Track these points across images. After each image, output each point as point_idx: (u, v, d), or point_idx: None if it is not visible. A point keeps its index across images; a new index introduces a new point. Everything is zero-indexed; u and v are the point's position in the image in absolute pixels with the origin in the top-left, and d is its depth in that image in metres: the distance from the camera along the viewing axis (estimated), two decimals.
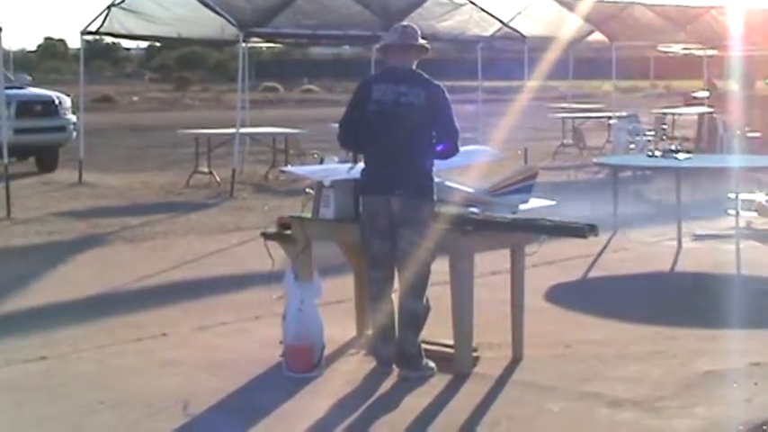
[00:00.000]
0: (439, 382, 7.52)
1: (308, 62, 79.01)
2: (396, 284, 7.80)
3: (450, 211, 7.78)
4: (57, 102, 22.07)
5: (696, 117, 28.09)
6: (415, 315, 7.66)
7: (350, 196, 7.96)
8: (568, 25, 25.24)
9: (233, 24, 18.14)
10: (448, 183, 8.11)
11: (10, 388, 7.49)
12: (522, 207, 8.16)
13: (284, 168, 15.35)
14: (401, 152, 7.55)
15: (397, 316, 7.72)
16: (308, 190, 8.44)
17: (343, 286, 9.13)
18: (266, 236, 8.56)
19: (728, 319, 9.21)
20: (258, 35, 20.17)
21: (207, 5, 18.34)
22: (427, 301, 7.74)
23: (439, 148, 7.65)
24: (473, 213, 7.91)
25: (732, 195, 13.05)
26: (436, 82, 7.65)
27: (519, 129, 22.09)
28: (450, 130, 7.64)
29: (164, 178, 20.32)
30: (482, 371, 7.77)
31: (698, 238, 13.49)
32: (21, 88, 22.49)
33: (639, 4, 27.06)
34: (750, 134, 22.51)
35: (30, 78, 24.91)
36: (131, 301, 10.23)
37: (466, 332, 7.73)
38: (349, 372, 7.81)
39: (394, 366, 7.70)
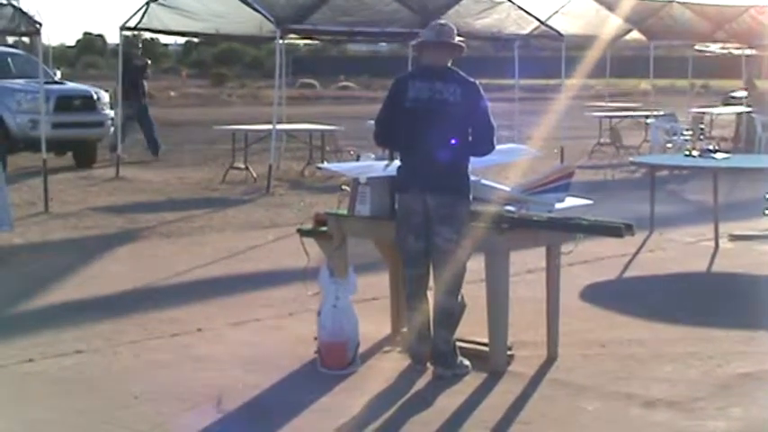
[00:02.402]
0: (473, 381, 7.51)
1: (345, 59, 79.13)
2: (431, 282, 7.79)
3: (486, 209, 7.76)
4: (95, 97, 22.15)
5: (734, 117, 27.96)
6: (450, 313, 7.65)
7: (386, 193, 7.96)
8: (606, 24, 25.15)
9: (270, 21, 18.16)
10: (484, 181, 8.11)
11: (45, 381, 7.52)
12: (558, 206, 8.15)
13: (321, 165, 15.36)
14: (437, 150, 7.53)
15: (431, 314, 7.71)
16: (344, 187, 8.44)
17: (379, 283, 9.13)
18: (302, 232, 8.58)
19: (765, 320, 9.16)
20: (295, 32, 20.19)
21: (245, 2, 18.38)
22: (462, 298, 7.74)
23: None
24: (509, 212, 7.89)
25: None
26: (471, 79, 7.64)
27: (556, 127, 22.05)
28: (486, 127, 7.61)
29: (200, 174, 20.39)
30: (517, 369, 7.75)
31: (735, 238, 13.41)
32: (60, 83, 22.63)
33: (678, 2, 26.94)
34: None
35: (58, 73, 25.02)
36: (167, 296, 10.27)
37: (501, 330, 7.72)
38: (383, 369, 7.80)
39: (429, 364, 7.70)
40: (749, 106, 26.63)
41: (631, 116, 28.84)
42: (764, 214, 13.49)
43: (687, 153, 13.84)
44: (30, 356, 8.01)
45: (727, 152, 14.17)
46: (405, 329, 8.16)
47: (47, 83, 19.04)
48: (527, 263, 9.98)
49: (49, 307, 9.81)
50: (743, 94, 30.11)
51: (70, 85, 23.46)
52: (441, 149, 7.53)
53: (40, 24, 15.80)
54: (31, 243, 12.97)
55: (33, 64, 19.75)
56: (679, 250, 12.87)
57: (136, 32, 22.40)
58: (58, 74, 24.84)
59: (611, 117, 27.16)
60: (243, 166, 19.55)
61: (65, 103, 21.31)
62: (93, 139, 22.09)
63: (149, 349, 8.35)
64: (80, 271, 11.48)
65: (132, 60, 23.22)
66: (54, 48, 46.44)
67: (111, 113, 21.99)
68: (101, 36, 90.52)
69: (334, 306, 7.78)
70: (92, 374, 7.68)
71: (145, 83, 23.94)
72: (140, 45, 24.84)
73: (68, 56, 76.32)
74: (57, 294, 10.28)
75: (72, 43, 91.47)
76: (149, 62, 24.73)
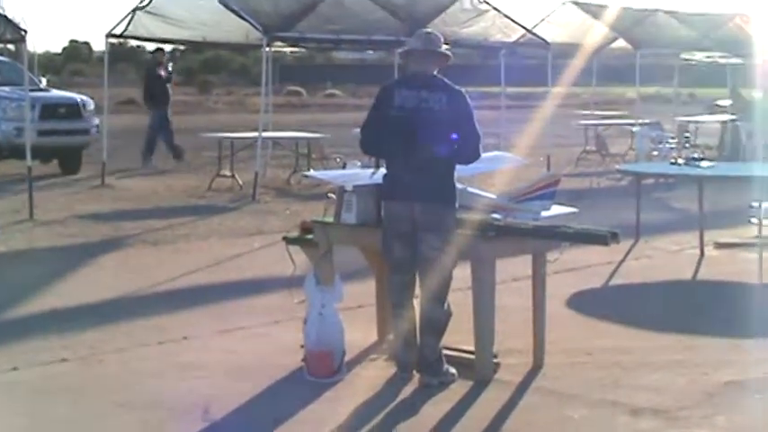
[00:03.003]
0: (459, 389, 7.51)
1: (332, 66, 79.01)
2: (417, 290, 7.79)
3: (472, 217, 7.76)
4: (80, 104, 22.13)
5: (720, 125, 28.02)
6: (437, 321, 7.65)
7: (372, 201, 7.96)
8: (592, 32, 25.19)
9: (257, 29, 18.16)
10: (470, 189, 8.11)
11: (30, 390, 7.50)
12: (543, 214, 8.15)
13: (307, 173, 15.36)
14: (423, 158, 7.53)
15: (418, 322, 7.71)
16: (330, 195, 8.44)
17: (365, 291, 9.13)
18: (288, 240, 8.57)
19: (751, 328, 9.17)
20: (282, 39, 20.19)
21: (231, 10, 18.37)
22: (448, 306, 7.73)
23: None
24: (495, 220, 7.89)
25: (755, 204, 13.00)
26: (457, 87, 7.65)
27: (542, 135, 22.06)
28: (471, 135, 7.62)
29: (186, 181, 20.36)
30: (503, 377, 7.75)
31: (720, 246, 13.43)
32: (46, 91, 22.59)
33: (663, 11, 27.00)
34: None
35: (44, 80, 24.99)
36: (153, 304, 10.24)
37: (487, 338, 7.72)
38: (370, 377, 7.80)
39: (415, 372, 7.69)
40: (734, 115, 26.69)
41: (617, 124, 28.88)
42: (749, 222, 13.51)
43: (673, 161, 13.87)
44: (14, 365, 7.99)
45: (712, 160, 14.19)
46: (391, 337, 8.15)
47: (32, 90, 19.00)
48: (513, 271, 9.97)
49: (34, 315, 9.77)
50: (728, 102, 30.16)
51: (55, 92, 23.44)
52: (427, 157, 7.53)
53: (26, 31, 15.77)
54: (15, 251, 12.94)
55: (19, 71, 19.71)
56: (664, 258, 12.89)
57: (160, 46, 22.60)
58: (44, 81, 24.81)
59: (597, 125, 27.19)
60: (229, 173, 19.53)
61: (50, 110, 21.28)
62: (78, 146, 22.04)
63: (135, 357, 8.33)
64: (65, 279, 11.45)
65: (155, 70, 23.43)
66: (40, 55, 46.43)
67: (97, 121, 21.98)
68: (87, 43, 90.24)
69: (319, 314, 7.78)
70: (77, 383, 7.66)
71: (169, 88, 24.06)
72: (165, 56, 24.91)
73: (54, 63, 76.10)
74: (41, 302, 10.24)
75: (58, 50, 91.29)
76: (171, 70, 24.89)
